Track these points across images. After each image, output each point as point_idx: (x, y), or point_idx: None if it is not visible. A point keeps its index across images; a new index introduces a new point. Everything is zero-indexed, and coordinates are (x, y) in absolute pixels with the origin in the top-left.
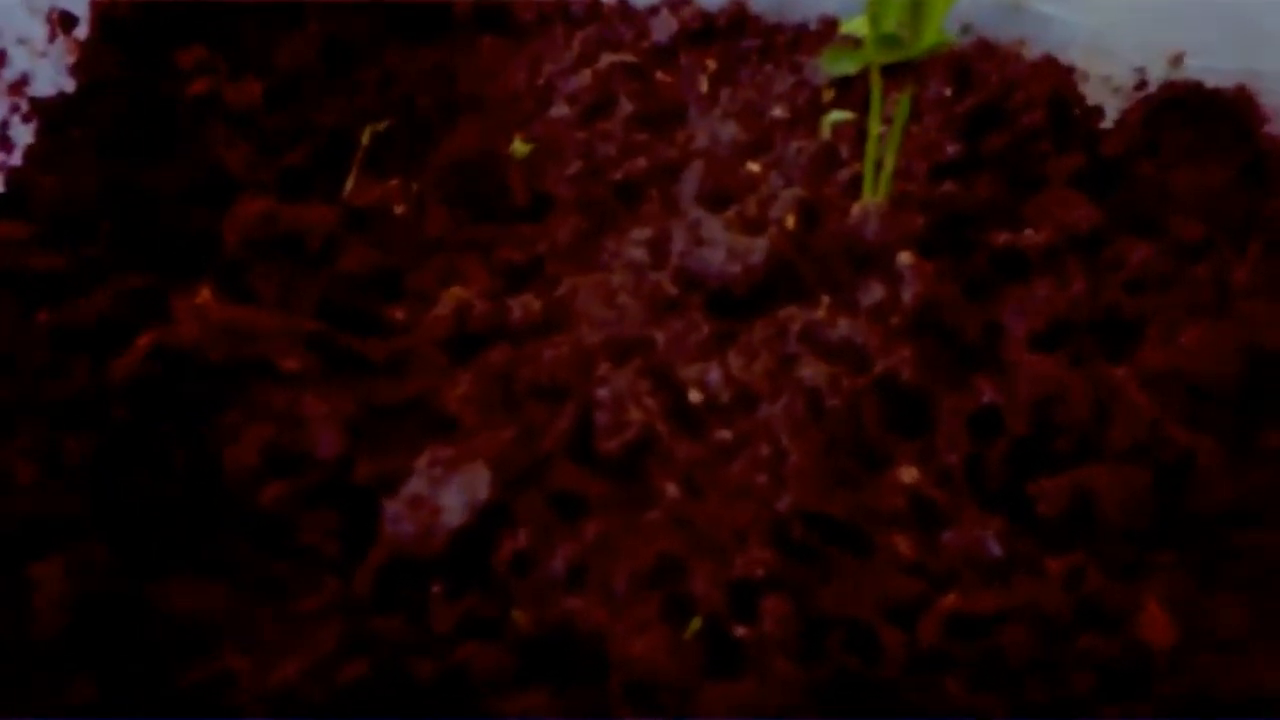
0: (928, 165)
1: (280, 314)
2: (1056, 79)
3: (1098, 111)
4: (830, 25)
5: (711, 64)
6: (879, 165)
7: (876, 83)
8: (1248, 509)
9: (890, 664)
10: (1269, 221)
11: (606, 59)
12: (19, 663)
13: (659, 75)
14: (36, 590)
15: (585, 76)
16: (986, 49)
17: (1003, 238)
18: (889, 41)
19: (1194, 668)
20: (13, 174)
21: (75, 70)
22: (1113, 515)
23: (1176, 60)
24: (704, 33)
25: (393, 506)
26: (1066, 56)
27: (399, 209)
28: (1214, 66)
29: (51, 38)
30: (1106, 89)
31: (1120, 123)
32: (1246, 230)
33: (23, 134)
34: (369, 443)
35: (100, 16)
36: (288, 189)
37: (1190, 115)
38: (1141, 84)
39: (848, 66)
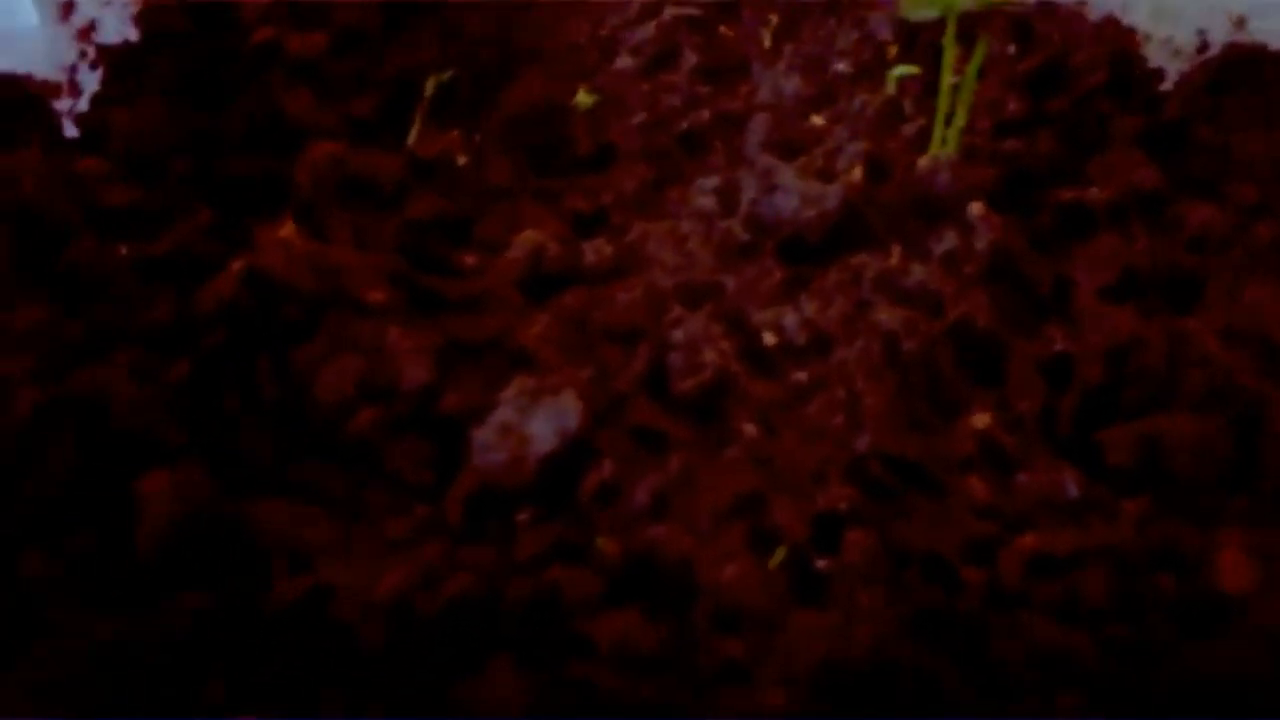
0: (991, 122)
1: (360, 252)
2: (1118, 40)
3: (1159, 74)
4: None
5: (774, 18)
6: (949, 118)
7: (952, 29)
8: None
9: (972, 599)
10: None
11: (670, 11)
12: (127, 574)
13: (722, 29)
14: (143, 505)
15: (649, 29)
16: (1049, 9)
17: (1068, 194)
18: None
19: (1273, 611)
20: (84, 116)
21: (139, 20)
22: (1183, 464)
23: (1240, 23)
24: None
25: (481, 434)
26: (1128, 18)
27: (462, 159)
28: (1277, 29)
29: None
30: (1167, 51)
31: (1181, 85)
32: None
33: (89, 81)
34: (453, 376)
35: None
36: (352, 138)
37: (1252, 78)
38: (1203, 46)
39: (927, 11)
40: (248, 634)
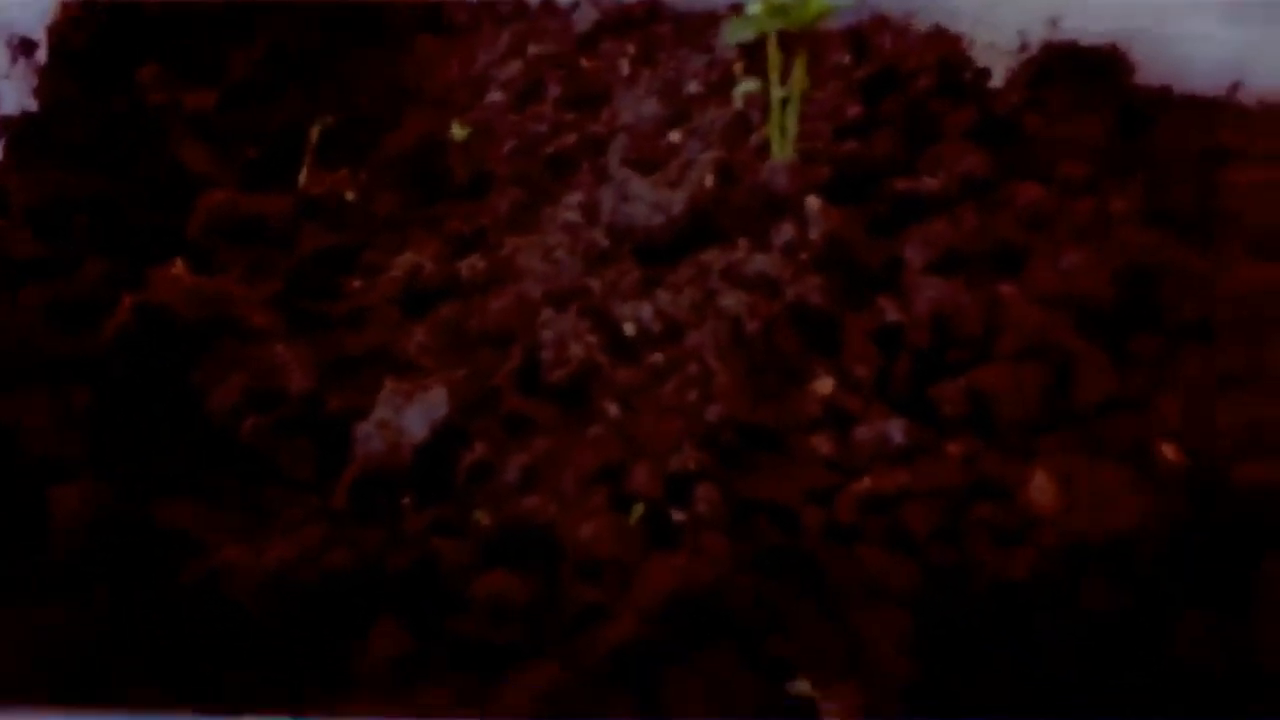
0: (831, 126)
1: (247, 283)
2: (946, 45)
3: (985, 73)
4: (737, 10)
5: (631, 48)
6: (783, 126)
7: (773, 49)
8: (1121, 399)
9: (810, 537)
10: (1146, 161)
11: (534, 49)
12: (41, 574)
13: (583, 62)
14: (54, 509)
15: (515, 66)
16: (881, 22)
17: (902, 185)
18: (779, 10)
19: (1071, 521)
20: None
21: (38, 93)
22: (1005, 409)
23: (1053, 23)
24: (622, 23)
25: (363, 428)
26: (954, 26)
27: (349, 195)
28: (1087, 28)
29: (13, 61)
30: (993, 53)
31: (1007, 82)
32: (1128, 169)
33: None
34: (336, 384)
35: (56, 42)
36: (246, 184)
37: (1069, 71)
38: (1024, 46)
39: (746, 32)
40: (155, 618)
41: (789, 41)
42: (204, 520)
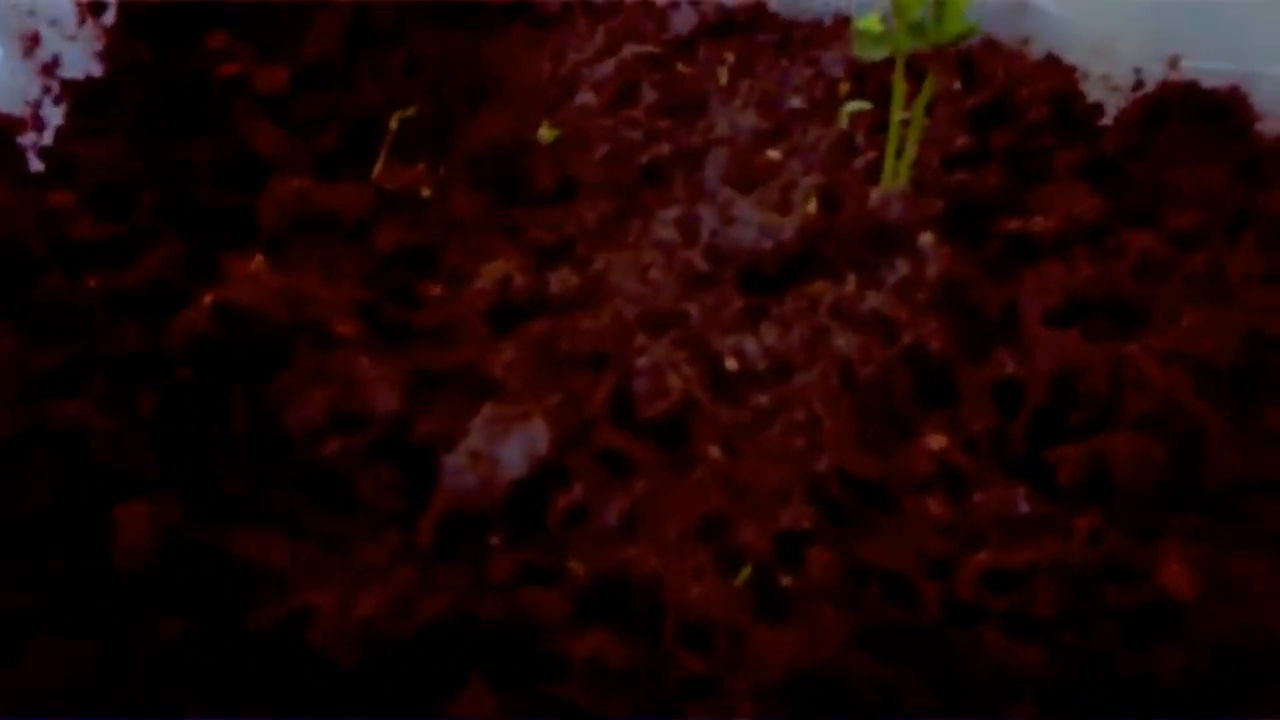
0: (939, 156)
1: (327, 284)
2: (1059, 77)
3: (1098, 109)
4: (843, 22)
5: (730, 56)
6: (900, 151)
7: (901, 69)
8: (1255, 481)
9: (929, 613)
10: (1262, 215)
11: (630, 49)
12: (103, 601)
13: (680, 66)
14: (119, 531)
15: (609, 66)
16: (992, 47)
17: (1013, 224)
18: (916, 29)
19: (1216, 618)
20: (49, 151)
21: (103, 56)
22: (1129, 482)
23: (1174, 62)
24: (723, 27)
25: (452, 460)
26: (1068, 56)
27: (426, 192)
28: (1208, 68)
29: (81, 22)
30: (1105, 87)
31: (1119, 120)
32: (1240, 223)
33: (53, 115)
34: (423, 404)
35: (126, 4)
36: (317, 171)
37: (1186, 114)
38: (1139, 83)
39: (877, 51)
40: (225, 656)
41: (907, 62)
42: (281, 552)
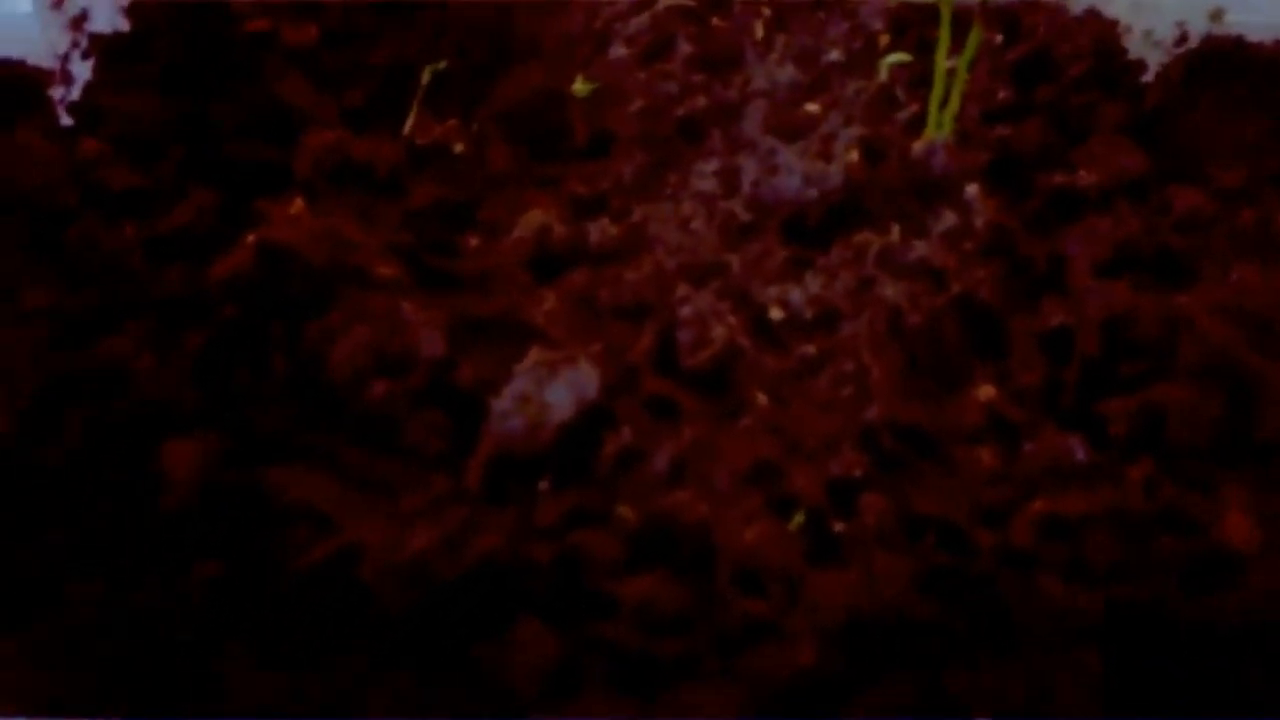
0: (981, 110)
1: (368, 229)
2: (1100, 32)
3: (1140, 64)
4: None
5: (766, 10)
6: (944, 102)
7: (947, 13)
8: None
9: (984, 561)
10: None
11: (663, 3)
12: (149, 540)
13: (715, 20)
14: (168, 470)
15: (643, 20)
16: (1033, 3)
17: (1058, 178)
18: None
19: (1277, 569)
20: (78, 105)
21: (130, 11)
22: (1183, 435)
23: (1216, 15)
24: None
25: (500, 404)
26: (1109, 11)
27: (459, 147)
28: (1253, 21)
29: None
30: (1148, 43)
31: (1162, 76)
32: None
33: (82, 70)
34: (466, 350)
35: None
36: (348, 125)
37: (1229, 69)
38: (1182, 38)
39: None
40: (271, 596)
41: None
42: (327, 493)
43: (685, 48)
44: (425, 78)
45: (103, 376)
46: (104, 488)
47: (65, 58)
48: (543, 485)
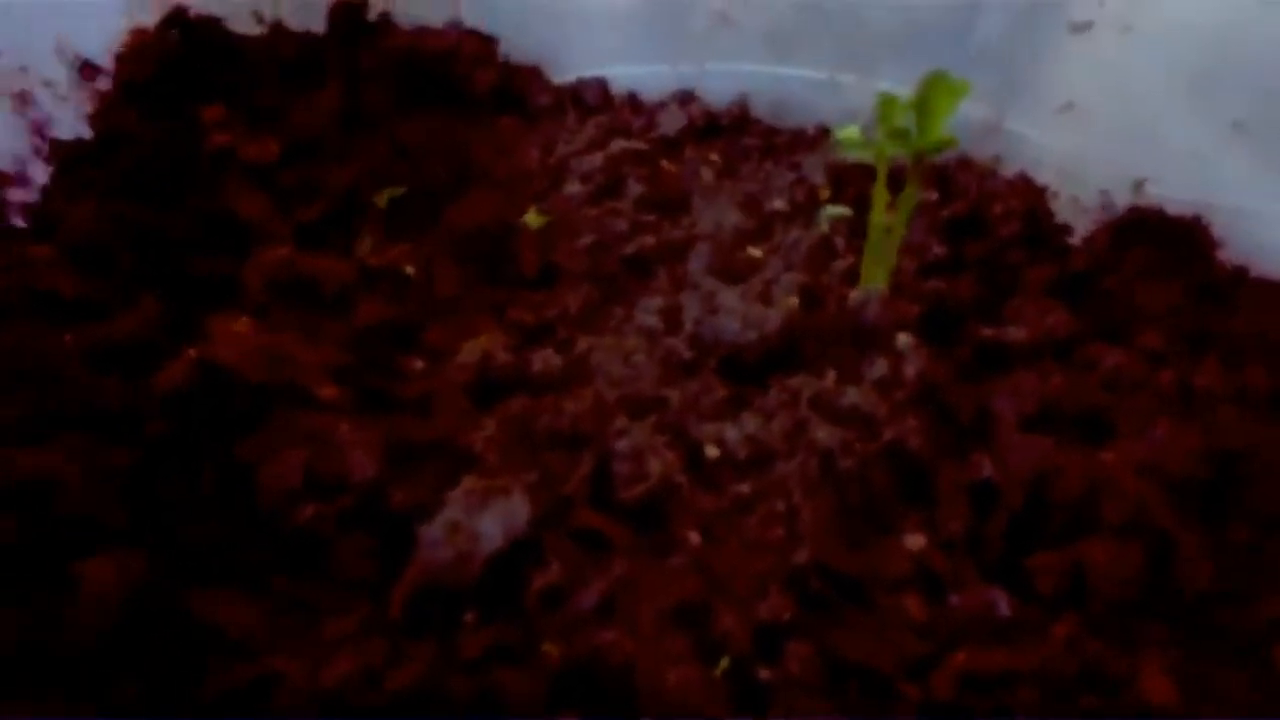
0: (916, 263)
1: (312, 348)
2: (1031, 196)
3: (1066, 228)
4: (824, 131)
5: (715, 157)
6: (879, 255)
7: (883, 173)
8: (1227, 592)
9: (907, 712)
10: (1223, 336)
11: (618, 144)
12: (63, 660)
13: (665, 164)
14: (83, 587)
15: (597, 159)
16: (966, 163)
17: (988, 332)
18: (898, 135)
19: None
20: (33, 208)
21: (94, 120)
22: (1106, 588)
23: (1138, 186)
24: (709, 129)
25: (430, 531)
26: (1039, 175)
27: (410, 270)
28: (1170, 195)
29: (76, 84)
30: (1075, 208)
31: (1088, 241)
32: (1203, 343)
33: (40, 174)
34: (400, 474)
35: (121, 71)
36: (301, 243)
37: (1151, 237)
38: (1105, 205)
39: (862, 153)
40: None
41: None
42: (249, 616)
43: (636, 188)
44: (382, 201)
45: (27, 488)
46: (20, 602)
47: (24, 161)
48: (468, 617)
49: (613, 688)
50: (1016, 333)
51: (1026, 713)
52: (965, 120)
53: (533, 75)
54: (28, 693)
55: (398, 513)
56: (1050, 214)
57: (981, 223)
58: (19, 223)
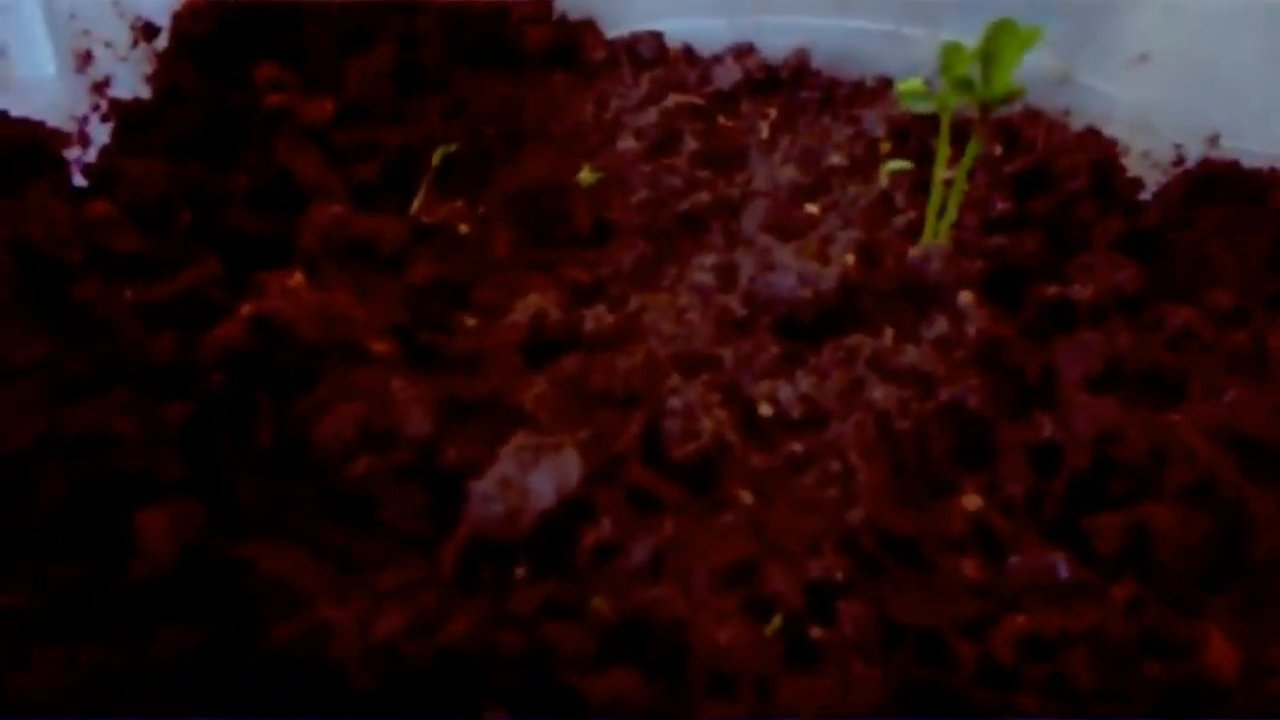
0: (979, 219)
1: (364, 305)
2: (1099, 149)
3: (1137, 183)
4: (886, 83)
5: (772, 112)
6: (941, 210)
7: (946, 124)
8: None
9: (963, 675)
10: None
11: (673, 99)
12: (121, 607)
13: (721, 119)
14: (140, 538)
15: (651, 114)
16: (1033, 116)
17: (1052, 290)
18: (963, 85)
19: (1257, 698)
20: (93, 167)
21: (152, 79)
22: (1169, 555)
23: (1213, 140)
24: (766, 82)
25: (481, 486)
26: (1109, 130)
27: (464, 228)
28: (1246, 148)
29: (134, 44)
30: (1146, 163)
31: (1159, 195)
32: (1278, 302)
33: (100, 134)
34: (453, 430)
35: (179, 31)
36: (356, 202)
37: (1226, 192)
38: (1179, 160)
39: (924, 105)
40: (240, 671)
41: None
42: (302, 568)
43: (691, 143)
44: (436, 159)
45: (84, 439)
46: (76, 551)
47: (85, 120)
48: (519, 572)
49: (664, 644)
50: (1082, 290)
51: (1086, 679)
52: (1034, 71)
53: (587, 30)
54: (90, 641)
55: (451, 469)
56: (1121, 168)
57: (1048, 177)
58: (80, 181)
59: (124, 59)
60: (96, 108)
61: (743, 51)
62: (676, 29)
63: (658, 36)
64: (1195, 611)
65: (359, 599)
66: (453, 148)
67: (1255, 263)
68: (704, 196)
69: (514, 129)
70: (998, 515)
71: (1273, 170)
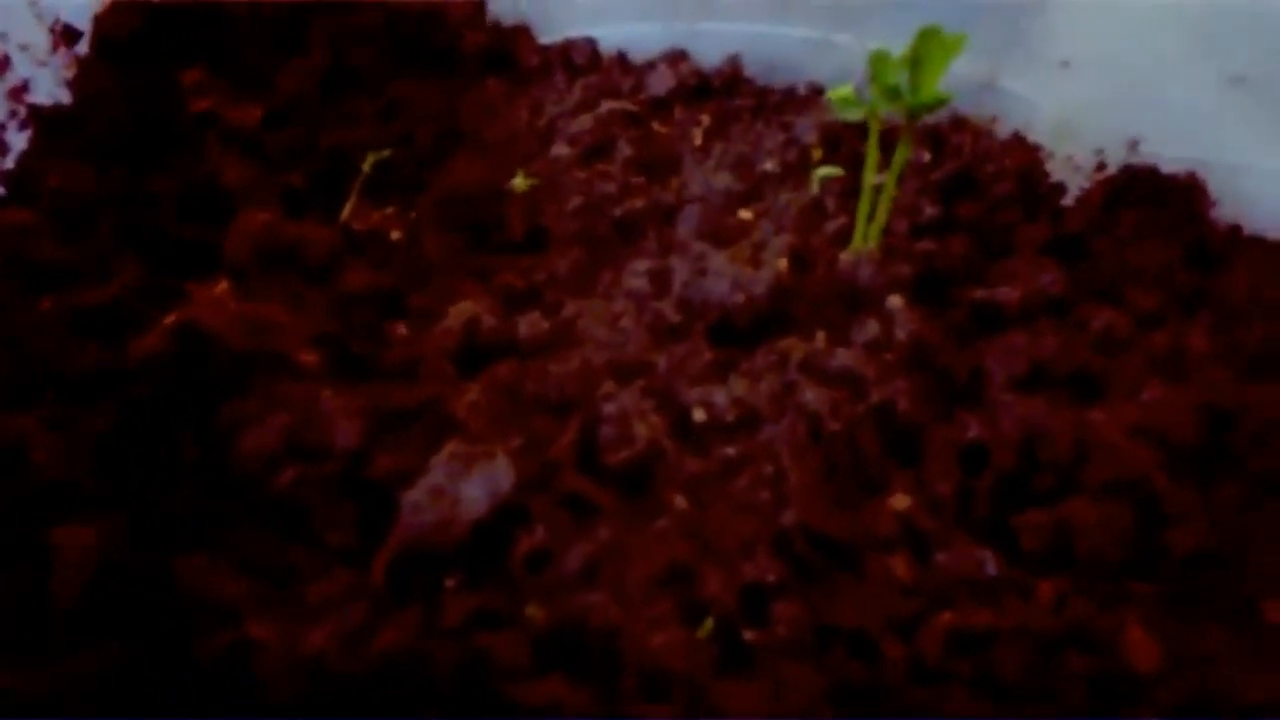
0: (908, 224)
1: (295, 314)
2: (1024, 155)
3: (1060, 188)
4: (817, 91)
5: (706, 118)
6: (871, 215)
7: (875, 132)
8: (1215, 553)
9: (893, 673)
10: (1215, 297)
11: (607, 105)
12: (40, 626)
13: (655, 125)
14: (58, 555)
15: (586, 120)
16: (960, 123)
17: (980, 293)
18: (891, 92)
19: (1178, 687)
20: (11, 174)
21: (73, 84)
22: (1092, 548)
23: (1133, 145)
24: (699, 89)
25: (413, 496)
26: (1032, 135)
27: (395, 234)
28: (1165, 154)
29: (54, 49)
30: (1069, 167)
31: (1082, 200)
32: (1196, 303)
33: (18, 141)
34: (382, 440)
35: (100, 33)
36: (285, 207)
37: (1145, 196)
38: (1101, 165)
39: (854, 112)
40: (163, 687)
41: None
42: (228, 581)
43: (625, 150)
44: (367, 164)
45: (2, 454)
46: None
47: (2, 127)
48: (450, 583)
49: (598, 650)
50: (1009, 293)
51: (1014, 673)
52: (960, 77)
53: (521, 35)
54: (6, 661)
55: (382, 479)
56: (1044, 174)
57: (974, 183)
58: None
59: (43, 64)
60: (14, 114)
61: (676, 58)
62: (610, 36)
63: (592, 43)
64: (1118, 603)
65: (287, 612)
66: (385, 153)
67: (1174, 264)
68: (638, 203)
69: (447, 134)
70: (926, 514)
71: (1190, 175)
